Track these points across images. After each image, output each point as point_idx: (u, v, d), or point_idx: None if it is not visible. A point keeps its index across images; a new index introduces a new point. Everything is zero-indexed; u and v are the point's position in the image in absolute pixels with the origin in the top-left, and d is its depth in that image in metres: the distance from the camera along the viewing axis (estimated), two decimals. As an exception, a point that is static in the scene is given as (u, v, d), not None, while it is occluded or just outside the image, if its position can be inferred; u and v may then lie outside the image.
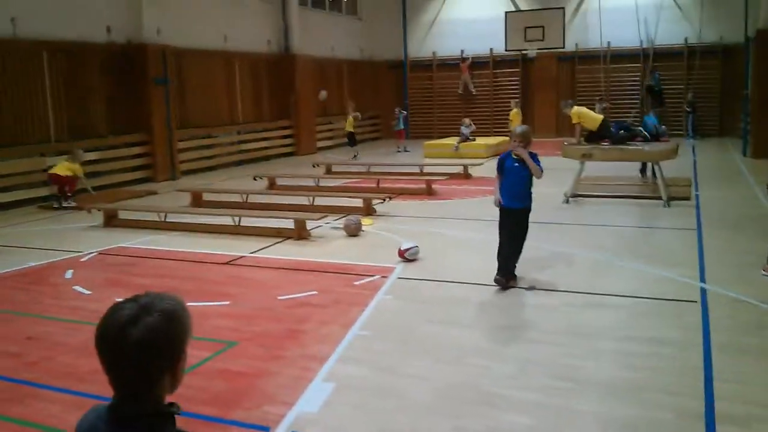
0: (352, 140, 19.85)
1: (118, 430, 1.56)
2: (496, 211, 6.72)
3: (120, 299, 1.60)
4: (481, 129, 23.37)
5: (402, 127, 22.31)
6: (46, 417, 4.24)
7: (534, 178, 6.61)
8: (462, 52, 25.82)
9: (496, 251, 6.71)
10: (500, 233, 6.72)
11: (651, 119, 19.91)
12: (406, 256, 7.70)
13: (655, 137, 17.70)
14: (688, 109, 22.15)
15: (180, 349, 1.60)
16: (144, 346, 1.51)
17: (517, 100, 22.40)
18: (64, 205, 12.18)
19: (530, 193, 6.66)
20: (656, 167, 11.07)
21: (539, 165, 6.56)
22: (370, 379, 4.64)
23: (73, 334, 5.73)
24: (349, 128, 19.87)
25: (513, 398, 4.28)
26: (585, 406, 4.16)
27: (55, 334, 5.75)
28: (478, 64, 25.66)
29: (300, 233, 9.10)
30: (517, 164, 6.55)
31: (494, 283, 6.58)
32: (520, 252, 6.72)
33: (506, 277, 6.61)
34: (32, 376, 4.88)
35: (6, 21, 12.63)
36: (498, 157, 6.90)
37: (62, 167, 12.30)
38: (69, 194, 12.36)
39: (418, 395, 4.37)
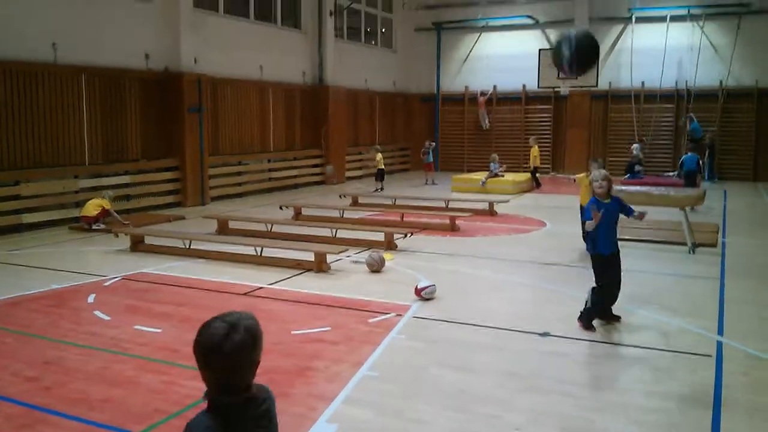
0: (380, 176, 19.98)
1: (216, 417, 2.08)
2: (520, 251, 6.71)
3: (212, 319, 2.14)
4: (511, 165, 23.38)
5: (431, 160, 22.42)
6: (54, 445, 4.32)
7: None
8: (466, 88, 26.05)
9: (598, 301, 6.68)
10: (607, 282, 6.66)
11: (690, 160, 19.24)
12: (423, 295, 7.71)
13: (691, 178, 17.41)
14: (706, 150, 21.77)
15: (258, 354, 2.14)
16: (235, 354, 2.05)
17: (535, 136, 22.41)
18: (94, 228, 12.43)
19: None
20: (683, 213, 10.96)
21: (632, 208, 6.87)
22: (374, 422, 4.65)
23: (88, 360, 5.83)
24: (380, 165, 20.07)
25: (515, 449, 4.26)
26: (587, 462, 4.12)
27: (70, 359, 5.86)
28: (510, 99, 25.75)
29: (319, 266, 9.17)
30: (607, 207, 6.58)
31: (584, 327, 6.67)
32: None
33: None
34: (45, 401, 4.97)
35: (47, 46, 13.04)
36: (588, 206, 6.74)
37: (91, 207, 12.56)
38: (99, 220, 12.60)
39: (421, 441, 4.37)
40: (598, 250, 6.70)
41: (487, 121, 25.86)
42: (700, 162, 19.14)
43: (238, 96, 18.13)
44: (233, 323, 2.09)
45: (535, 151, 20.90)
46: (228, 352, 2.04)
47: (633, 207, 7.03)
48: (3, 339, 6.40)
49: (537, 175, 20.86)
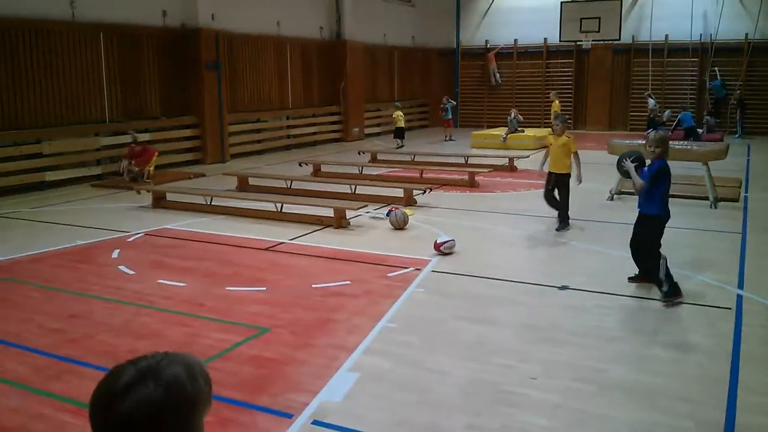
0: (399, 134, 19.77)
1: None
2: (539, 206, 6.58)
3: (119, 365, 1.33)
4: (531, 120, 23.18)
5: (450, 116, 22.26)
6: (82, 393, 4.44)
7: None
8: (486, 42, 25.65)
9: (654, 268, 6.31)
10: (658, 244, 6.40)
11: (687, 117, 19.42)
12: (442, 250, 7.75)
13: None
14: (734, 105, 21.47)
15: (188, 425, 1.29)
16: (136, 420, 1.23)
17: (556, 90, 22.14)
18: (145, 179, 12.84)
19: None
20: (705, 167, 10.84)
21: (645, 179, 6.30)
22: (394, 371, 4.73)
23: (114, 313, 5.96)
24: (399, 124, 19.83)
25: (532, 399, 4.32)
26: (603, 410, 4.18)
27: (96, 312, 5.99)
28: (531, 53, 25.40)
29: (339, 222, 9.23)
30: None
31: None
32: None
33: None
34: (72, 353, 5.11)
35: (65, 4, 13.02)
36: (655, 168, 6.33)
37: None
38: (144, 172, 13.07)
39: (439, 390, 4.45)
40: (657, 212, 6.39)
41: (497, 77, 25.56)
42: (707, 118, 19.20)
43: (256, 52, 18.05)
44: (146, 372, 1.27)
45: (555, 105, 20.72)
46: (121, 419, 1.23)
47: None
48: (29, 293, 6.55)
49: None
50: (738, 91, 21.46)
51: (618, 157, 7.23)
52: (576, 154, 8.92)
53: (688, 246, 8.30)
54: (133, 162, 12.97)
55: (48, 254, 7.99)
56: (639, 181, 6.37)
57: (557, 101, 20.92)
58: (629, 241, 6.71)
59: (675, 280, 6.21)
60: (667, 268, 6.16)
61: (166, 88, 15.33)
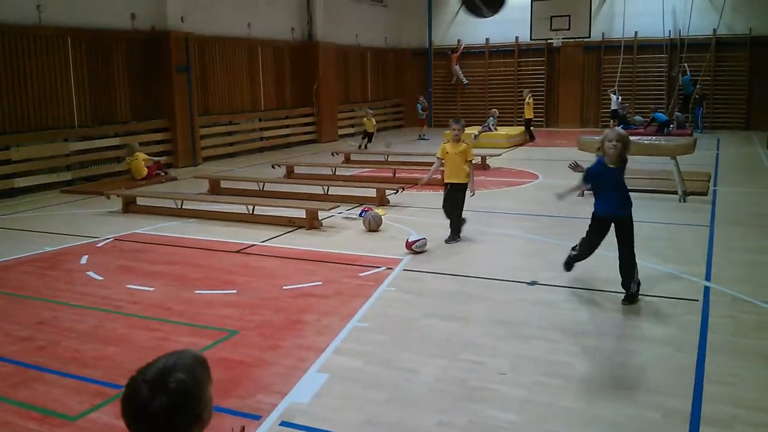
0: (368, 138, 19.34)
1: None
2: (511, 203, 6.49)
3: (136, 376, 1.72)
4: (504, 119, 23.31)
5: (423, 116, 22.38)
6: (49, 401, 4.39)
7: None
8: (458, 41, 25.77)
9: (579, 256, 6.31)
10: (593, 242, 6.20)
11: (660, 115, 20.19)
12: (414, 249, 7.77)
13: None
14: (696, 99, 21.78)
15: (202, 406, 1.73)
16: (167, 416, 1.65)
17: (529, 89, 22.33)
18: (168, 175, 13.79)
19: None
20: (674, 161, 10.96)
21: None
22: (363, 371, 4.73)
23: (81, 319, 5.90)
24: (370, 129, 19.26)
25: (500, 394, 4.34)
26: (571, 403, 4.21)
27: (64, 319, 5.92)
28: (502, 52, 25.53)
29: (311, 223, 9.21)
30: (613, 173, 5.91)
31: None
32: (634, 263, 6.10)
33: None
34: (39, 360, 5.04)
35: (32, 8, 12.86)
36: (587, 168, 6.04)
37: (139, 166, 13.50)
38: (163, 172, 13.96)
39: (408, 388, 4.45)
40: (594, 210, 6.22)
41: (462, 76, 25.67)
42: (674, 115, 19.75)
43: (227, 54, 17.95)
44: (158, 382, 1.69)
45: (530, 105, 20.83)
46: (155, 415, 1.66)
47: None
48: (-4, 301, 6.46)
49: (531, 128, 20.83)
50: (698, 86, 21.73)
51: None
52: (471, 162, 8.20)
53: (657, 239, 8.39)
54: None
55: (16, 261, 7.89)
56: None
57: (530, 100, 21.06)
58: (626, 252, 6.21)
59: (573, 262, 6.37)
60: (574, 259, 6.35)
61: (137, 91, 15.20)
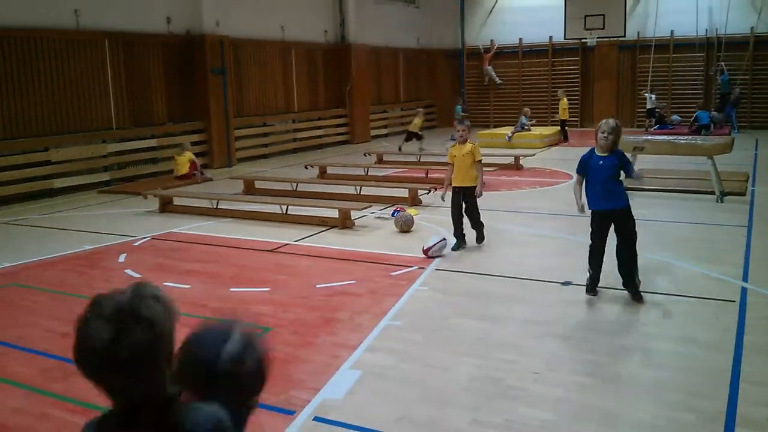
0: (409, 138, 18.81)
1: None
2: (544, 203, 6.44)
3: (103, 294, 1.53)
4: (538, 119, 23.16)
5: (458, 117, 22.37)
6: (86, 394, 4.48)
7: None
8: (492, 41, 25.64)
9: (589, 260, 6.21)
10: (595, 242, 6.11)
11: (704, 115, 19.74)
12: (430, 255, 7.54)
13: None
14: (733, 101, 21.36)
15: (170, 348, 1.52)
16: (134, 359, 1.42)
17: (563, 89, 22.14)
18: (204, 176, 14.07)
19: (624, 190, 6.08)
20: (711, 161, 10.80)
21: (632, 168, 6.06)
22: (396, 368, 4.76)
23: (119, 316, 6.00)
24: (414, 129, 18.66)
25: (534, 393, 4.33)
26: (605, 404, 4.18)
27: (103, 315, 6.02)
28: (536, 52, 25.38)
29: (344, 222, 9.26)
30: (602, 162, 5.91)
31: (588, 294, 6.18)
32: (636, 258, 6.08)
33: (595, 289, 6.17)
34: (78, 355, 5.14)
35: (70, 13, 13.13)
36: (580, 156, 6.16)
37: (182, 164, 13.85)
38: (200, 173, 14.13)
39: (441, 386, 4.46)
40: (589, 206, 6.14)
41: (495, 76, 25.56)
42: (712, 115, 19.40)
43: (261, 57, 18.13)
44: (124, 318, 1.45)
45: (563, 103, 20.67)
46: (123, 358, 1.42)
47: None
48: (36, 298, 6.62)
49: (566, 128, 20.66)
50: (737, 88, 21.32)
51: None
52: (480, 162, 7.88)
53: (694, 240, 8.29)
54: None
55: (56, 260, 8.07)
56: (637, 173, 6.20)
57: (565, 99, 20.88)
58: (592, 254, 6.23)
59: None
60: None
61: (173, 94, 15.43)
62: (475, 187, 7.80)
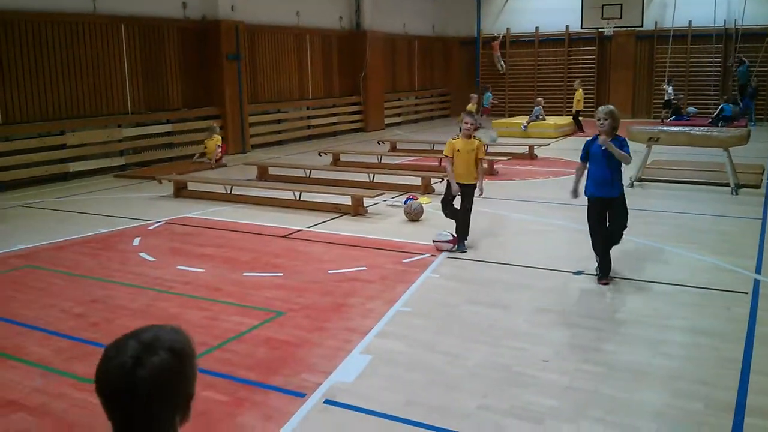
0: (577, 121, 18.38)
1: None
2: (558, 193, 6.45)
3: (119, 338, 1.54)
4: (553, 109, 23.05)
5: (486, 104, 22.23)
6: (102, 374, 4.56)
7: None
8: (508, 29, 25.49)
9: (593, 247, 6.35)
10: (593, 227, 6.27)
11: (727, 107, 19.48)
12: (438, 248, 7.41)
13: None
14: (750, 92, 21.14)
15: (192, 387, 1.54)
16: (155, 387, 1.43)
17: (580, 79, 21.95)
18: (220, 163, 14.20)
19: (621, 180, 6.23)
20: (726, 153, 10.73)
21: (627, 151, 6.07)
22: (406, 353, 4.79)
23: (134, 298, 6.09)
24: (577, 107, 18.43)
25: (542, 380, 4.36)
26: (614, 392, 4.20)
27: (117, 297, 6.11)
28: (552, 41, 25.22)
29: (356, 209, 9.30)
30: (604, 149, 6.04)
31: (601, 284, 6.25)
32: (615, 243, 6.29)
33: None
34: (93, 336, 5.23)
35: (87, -3, 13.22)
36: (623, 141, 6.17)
37: (212, 146, 14.15)
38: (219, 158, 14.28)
39: (451, 372, 4.50)
40: (586, 192, 6.31)
41: (502, 63, 25.46)
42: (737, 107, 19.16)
43: (276, 43, 18.14)
44: (150, 343, 1.48)
45: (579, 94, 20.53)
46: (143, 384, 1.43)
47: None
48: (52, 280, 6.70)
49: (579, 118, 20.54)
50: (754, 80, 21.11)
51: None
52: (482, 160, 7.43)
53: (708, 231, 8.26)
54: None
55: (71, 242, 8.16)
56: (623, 152, 6.07)
57: (581, 90, 20.72)
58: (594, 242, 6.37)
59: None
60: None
61: (188, 79, 15.48)
62: (475, 185, 7.34)
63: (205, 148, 14.30)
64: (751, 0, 21.43)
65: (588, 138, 6.48)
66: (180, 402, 1.49)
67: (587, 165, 6.34)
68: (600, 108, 6.24)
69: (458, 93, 26.53)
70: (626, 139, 6.29)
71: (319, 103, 19.80)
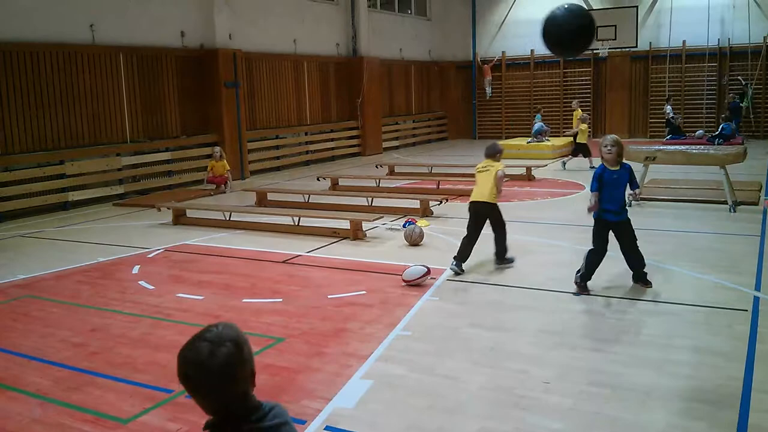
0: (584, 151, 16.14)
1: None
2: (556, 214, 6.57)
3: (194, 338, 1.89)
4: (551, 129, 23.14)
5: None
6: (102, 404, 4.54)
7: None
8: (503, 52, 25.66)
9: (589, 260, 6.62)
10: (601, 249, 6.56)
11: (727, 127, 19.51)
12: (412, 284, 6.97)
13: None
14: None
15: (252, 365, 1.95)
16: (226, 371, 1.83)
17: (578, 99, 22.01)
18: (219, 191, 14.20)
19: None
20: (723, 171, 10.76)
21: (634, 177, 6.63)
22: (407, 378, 4.77)
23: (133, 326, 6.07)
24: (582, 139, 16.40)
25: (546, 402, 4.33)
26: (617, 413, 4.17)
27: (116, 326, 6.10)
28: (547, 63, 25.40)
29: (355, 234, 9.30)
30: (616, 176, 6.42)
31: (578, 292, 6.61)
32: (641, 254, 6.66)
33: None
34: (92, 365, 5.21)
35: (85, 27, 13.32)
36: (594, 174, 6.51)
37: (221, 168, 14.41)
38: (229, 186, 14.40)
39: (452, 396, 4.47)
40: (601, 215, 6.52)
41: (489, 89, 25.54)
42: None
43: (274, 70, 18.27)
44: (215, 339, 1.87)
45: (578, 114, 20.48)
46: (218, 369, 1.82)
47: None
48: (51, 309, 6.68)
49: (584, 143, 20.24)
50: (736, 97, 21.33)
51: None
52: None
53: (707, 249, 8.25)
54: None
55: (70, 271, 8.15)
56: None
57: (579, 110, 20.66)
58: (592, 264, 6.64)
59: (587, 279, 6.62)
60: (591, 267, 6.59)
61: (186, 107, 15.57)
62: (496, 204, 7.81)
63: (212, 168, 14.42)
64: (744, 19, 21.63)
65: (594, 168, 6.70)
66: (247, 374, 1.90)
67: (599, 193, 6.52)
68: (605, 137, 6.59)
69: (455, 116, 26.74)
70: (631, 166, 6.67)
71: (317, 128, 19.89)
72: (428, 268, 7.07)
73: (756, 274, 7.03)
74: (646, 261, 6.72)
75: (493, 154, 7.76)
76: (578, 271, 6.68)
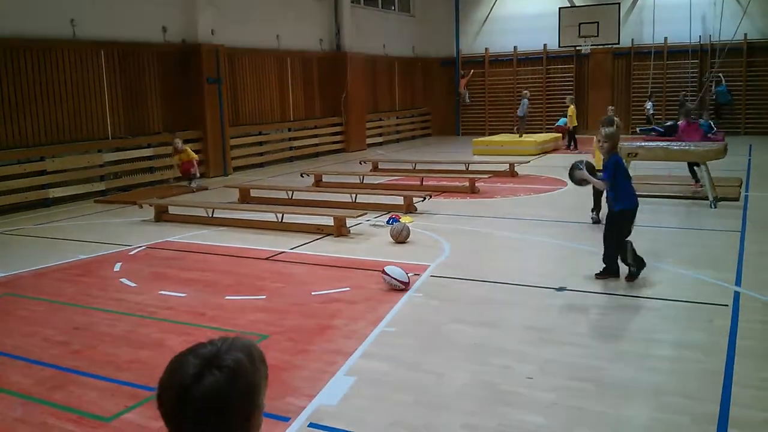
0: (572, 138, 19.35)
1: None
2: (539, 210, 6.71)
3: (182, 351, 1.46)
4: (533, 126, 23.27)
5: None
6: (84, 402, 4.50)
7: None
8: (486, 49, 25.67)
9: (616, 256, 6.83)
10: (624, 237, 6.75)
11: (704, 123, 19.68)
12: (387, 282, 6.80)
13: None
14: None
15: (252, 405, 1.44)
16: (207, 407, 1.36)
17: (572, 96, 22.06)
18: (192, 186, 13.82)
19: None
20: (704, 167, 10.86)
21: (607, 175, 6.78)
22: (391, 374, 4.78)
23: (115, 325, 6.02)
24: (572, 123, 19.57)
25: (529, 398, 4.36)
26: (600, 407, 4.20)
27: (99, 324, 6.05)
28: (531, 59, 25.49)
29: (339, 230, 9.29)
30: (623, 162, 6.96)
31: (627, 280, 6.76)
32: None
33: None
34: (75, 363, 5.17)
35: (66, 22, 13.18)
36: (613, 160, 6.80)
37: (186, 156, 13.79)
38: (196, 175, 13.99)
39: (436, 392, 4.48)
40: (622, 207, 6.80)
41: (468, 97, 25.51)
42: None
43: (257, 66, 18.19)
44: (210, 357, 1.40)
45: (571, 110, 20.44)
46: (198, 403, 1.36)
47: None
48: (34, 307, 6.62)
49: (576, 135, 20.23)
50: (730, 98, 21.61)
51: (570, 165, 7.68)
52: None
53: (687, 245, 8.33)
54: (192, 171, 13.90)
55: (51, 269, 8.07)
56: (599, 181, 7.01)
57: (573, 106, 20.58)
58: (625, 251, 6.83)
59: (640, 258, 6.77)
60: (633, 251, 6.71)
61: (168, 103, 15.46)
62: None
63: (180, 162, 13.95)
64: (726, 16, 21.80)
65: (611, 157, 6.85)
66: (239, 417, 1.42)
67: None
68: (602, 130, 6.94)
69: (439, 113, 26.75)
70: (616, 159, 6.85)
71: (300, 124, 19.84)
72: (408, 280, 6.75)
73: (736, 269, 7.10)
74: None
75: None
76: (629, 265, 6.74)
